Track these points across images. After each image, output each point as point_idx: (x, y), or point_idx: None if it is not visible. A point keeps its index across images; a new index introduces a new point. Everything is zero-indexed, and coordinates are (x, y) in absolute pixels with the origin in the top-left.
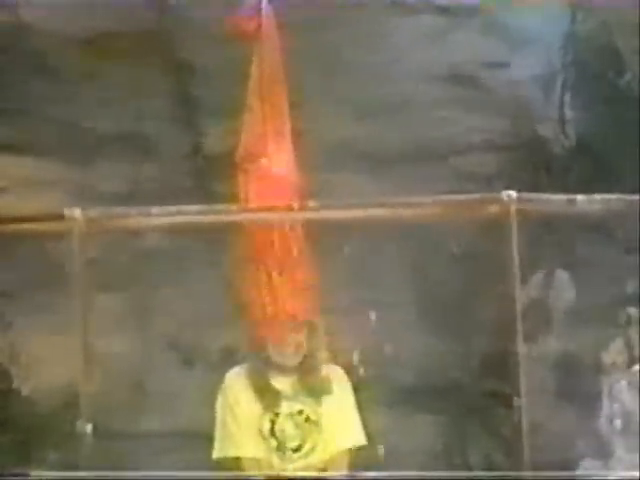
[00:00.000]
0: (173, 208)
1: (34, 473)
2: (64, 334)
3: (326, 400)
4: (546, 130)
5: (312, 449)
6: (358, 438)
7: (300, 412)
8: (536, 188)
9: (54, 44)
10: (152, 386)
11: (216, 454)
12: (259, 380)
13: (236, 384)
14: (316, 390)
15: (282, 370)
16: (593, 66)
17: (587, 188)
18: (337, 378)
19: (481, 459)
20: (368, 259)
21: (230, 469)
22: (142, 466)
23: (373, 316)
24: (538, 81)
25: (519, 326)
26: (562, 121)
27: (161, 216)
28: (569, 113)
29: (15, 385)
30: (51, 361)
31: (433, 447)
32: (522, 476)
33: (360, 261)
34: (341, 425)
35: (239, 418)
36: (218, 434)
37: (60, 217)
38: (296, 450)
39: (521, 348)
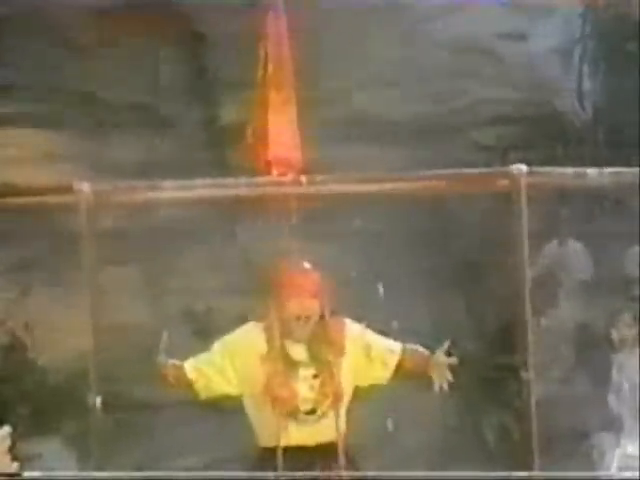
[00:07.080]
0: (182, 182)
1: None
2: (77, 305)
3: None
4: (563, 102)
5: (325, 413)
6: (394, 348)
7: (315, 376)
8: (552, 160)
9: (70, 16)
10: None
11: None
12: (274, 341)
13: (250, 336)
14: (330, 352)
15: (296, 338)
16: (612, 38)
17: (603, 160)
18: (348, 331)
19: (495, 432)
20: (378, 232)
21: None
22: (156, 437)
23: (381, 289)
24: (556, 53)
25: (527, 300)
26: (580, 93)
27: (171, 190)
28: (587, 85)
29: (30, 355)
30: (65, 332)
31: (446, 421)
32: (524, 476)
33: (369, 234)
34: (372, 357)
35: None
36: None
37: (69, 190)
38: (310, 413)
39: (530, 321)
